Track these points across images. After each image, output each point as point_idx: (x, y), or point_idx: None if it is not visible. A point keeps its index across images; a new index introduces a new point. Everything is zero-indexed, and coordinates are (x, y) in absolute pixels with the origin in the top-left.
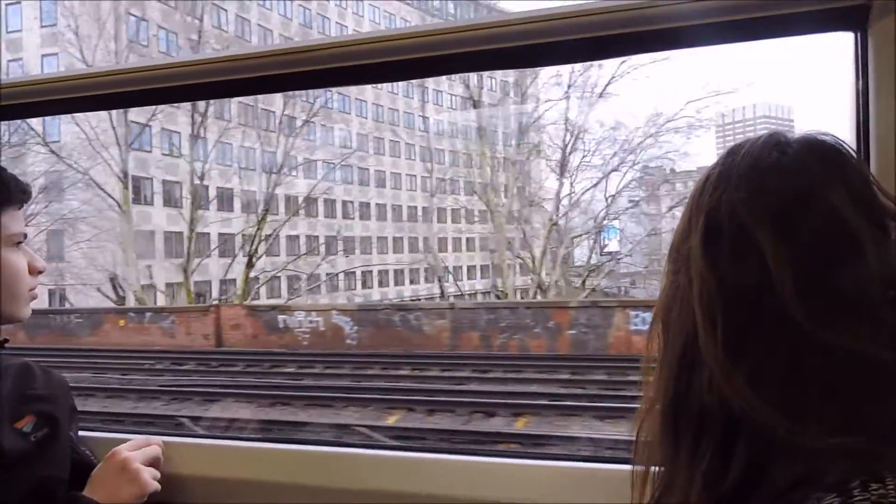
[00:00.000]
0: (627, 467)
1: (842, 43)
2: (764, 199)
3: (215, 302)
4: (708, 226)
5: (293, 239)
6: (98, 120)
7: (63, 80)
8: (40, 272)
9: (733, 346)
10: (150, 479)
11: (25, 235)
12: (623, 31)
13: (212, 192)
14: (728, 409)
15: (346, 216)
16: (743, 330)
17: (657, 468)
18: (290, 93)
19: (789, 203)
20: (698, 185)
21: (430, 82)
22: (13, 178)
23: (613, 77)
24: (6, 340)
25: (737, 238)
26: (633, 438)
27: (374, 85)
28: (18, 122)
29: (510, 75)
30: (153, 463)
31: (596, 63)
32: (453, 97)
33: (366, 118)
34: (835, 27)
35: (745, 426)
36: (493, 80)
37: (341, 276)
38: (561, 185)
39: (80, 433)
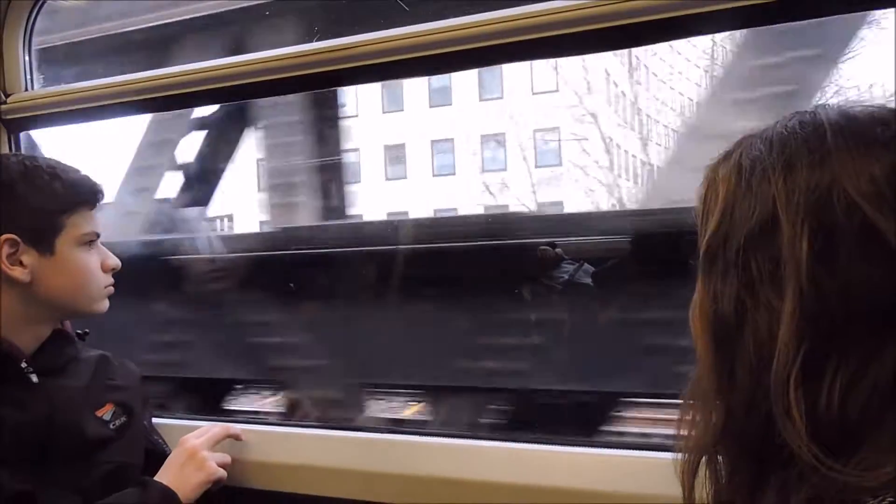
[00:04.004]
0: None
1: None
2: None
3: None
4: (820, 224)
5: None
6: None
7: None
8: (113, 269)
9: (811, 371)
10: (217, 466)
11: (98, 234)
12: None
13: None
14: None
15: None
16: (833, 349)
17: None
18: None
19: None
20: (776, 165)
21: None
22: (86, 179)
23: None
24: (87, 333)
25: (860, 238)
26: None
27: None
28: None
29: None
30: (221, 450)
31: None
32: None
33: None
34: (877, 4)
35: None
36: None
37: None
38: None
39: (155, 420)
